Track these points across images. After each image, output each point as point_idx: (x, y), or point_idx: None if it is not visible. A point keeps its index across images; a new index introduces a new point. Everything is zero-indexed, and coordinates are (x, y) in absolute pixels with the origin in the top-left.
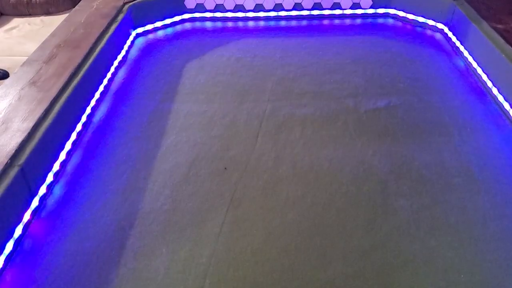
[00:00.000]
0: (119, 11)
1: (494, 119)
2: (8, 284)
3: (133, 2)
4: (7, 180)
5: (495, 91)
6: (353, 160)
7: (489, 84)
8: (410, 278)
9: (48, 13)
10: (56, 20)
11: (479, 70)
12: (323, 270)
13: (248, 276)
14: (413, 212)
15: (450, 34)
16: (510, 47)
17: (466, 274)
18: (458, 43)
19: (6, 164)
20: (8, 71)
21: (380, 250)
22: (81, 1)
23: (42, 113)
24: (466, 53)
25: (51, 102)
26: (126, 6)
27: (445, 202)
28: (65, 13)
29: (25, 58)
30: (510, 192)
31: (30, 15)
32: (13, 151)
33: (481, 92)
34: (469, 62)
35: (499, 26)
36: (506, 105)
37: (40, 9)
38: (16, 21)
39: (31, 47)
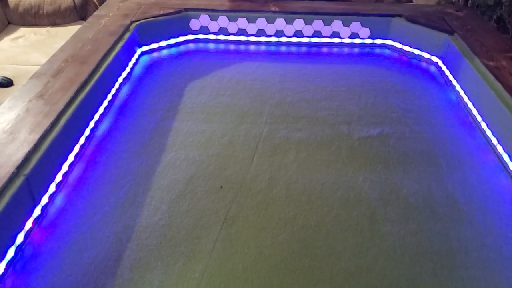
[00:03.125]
0: (126, 29)
1: (482, 153)
2: None
3: (140, 21)
4: (13, 189)
5: (484, 125)
6: (344, 185)
7: (479, 118)
8: None
9: (54, 24)
10: (61, 31)
11: (470, 104)
12: None
13: None
14: (399, 237)
15: (444, 67)
16: (499, 84)
17: None
18: (451, 77)
19: (12, 173)
20: (12, 79)
21: (366, 273)
22: (89, 18)
23: (49, 125)
24: (458, 87)
25: (57, 115)
26: (133, 25)
27: (430, 230)
28: (71, 25)
29: (29, 67)
30: (492, 223)
31: (36, 25)
32: (20, 161)
33: (471, 126)
34: (461, 95)
35: (491, 63)
36: (494, 140)
37: (46, 20)
38: (22, 30)
39: (36, 56)
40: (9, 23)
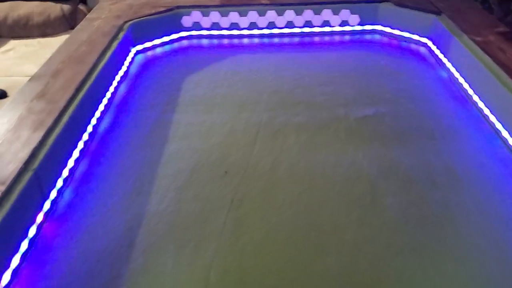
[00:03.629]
0: (120, 29)
1: (475, 123)
2: (25, 279)
3: (133, 21)
4: (22, 184)
5: (475, 98)
6: (344, 163)
7: (470, 91)
8: (400, 267)
9: (45, 35)
10: (52, 42)
11: (461, 80)
12: (320, 261)
13: (249, 267)
14: (401, 208)
15: (433, 47)
16: (488, 57)
17: (453, 264)
18: (441, 56)
19: (20, 168)
20: (6, 91)
21: (371, 243)
22: (82, 21)
23: (52, 123)
24: (448, 65)
25: (59, 113)
26: (126, 25)
27: (431, 199)
28: (62, 35)
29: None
30: (491, 189)
31: (27, 37)
32: (27, 157)
33: (463, 99)
34: (452, 72)
35: (478, 38)
36: (486, 110)
37: (37, 31)
38: (13, 43)
39: (29, 67)
40: None
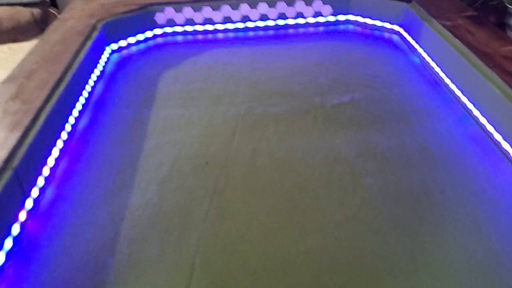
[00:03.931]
0: (93, 28)
1: (448, 105)
2: (11, 277)
3: (106, 19)
4: (3, 181)
5: (447, 80)
6: (323, 148)
7: (442, 74)
8: (381, 244)
9: (15, 40)
10: (24, 47)
11: (433, 64)
12: (302, 242)
13: (235, 252)
14: (379, 187)
15: (405, 34)
16: (458, 40)
17: (430, 237)
18: (413, 42)
19: (0, 167)
20: None
21: (352, 222)
22: (54, 22)
23: (29, 122)
24: (420, 50)
25: (36, 112)
26: (99, 24)
27: (407, 178)
28: (33, 39)
29: None
30: (464, 165)
31: None
32: (6, 156)
33: (435, 83)
34: (423, 57)
35: (448, 23)
36: (458, 92)
37: (7, 37)
38: None
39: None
40: None
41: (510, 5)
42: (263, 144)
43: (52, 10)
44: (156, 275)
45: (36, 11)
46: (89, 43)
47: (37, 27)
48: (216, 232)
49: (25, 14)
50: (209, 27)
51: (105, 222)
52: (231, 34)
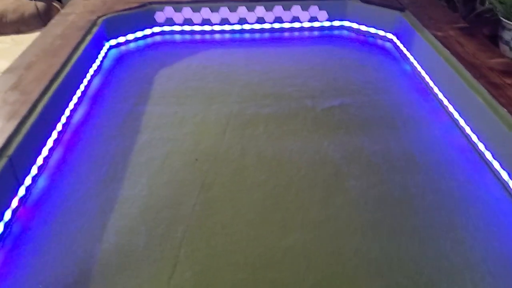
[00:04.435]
0: (93, 24)
1: (435, 113)
2: (1, 261)
3: (106, 16)
4: None
5: (436, 89)
6: (310, 150)
7: (431, 83)
8: (359, 242)
9: (19, 32)
10: (26, 39)
11: (423, 72)
12: (284, 238)
13: (218, 245)
14: (362, 190)
15: (398, 42)
16: (447, 51)
17: (407, 238)
18: (405, 50)
19: None
20: None
21: (333, 221)
22: (56, 16)
23: (26, 112)
24: (412, 58)
25: (33, 103)
26: (100, 20)
27: (390, 181)
28: (35, 31)
29: None
30: (447, 171)
31: (1, 34)
32: (2, 144)
33: (424, 91)
34: (414, 66)
35: (439, 33)
36: (445, 101)
37: (11, 28)
38: None
39: (3, 64)
40: None
41: (503, 18)
42: (252, 143)
43: (55, 4)
44: (141, 265)
45: (40, 4)
46: (88, 38)
47: (40, 19)
48: (202, 225)
49: (29, 7)
50: (207, 27)
51: (95, 212)
52: (227, 35)
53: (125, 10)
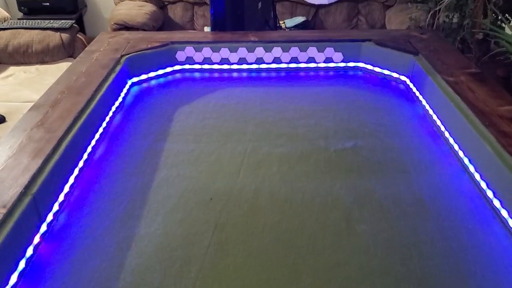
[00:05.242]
0: (117, 62)
1: (446, 158)
2: None
3: (130, 54)
4: (22, 207)
5: (446, 134)
6: (323, 192)
7: (442, 128)
8: None
9: (43, 62)
10: (50, 69)
11: (434, 116)
12: (295, 283)
13: (230, 287)
14: (372, 235)
15: (411, 85)
16: (458, 96)
17: (415, 285)
18: (417, 93)
19: (21, 193)
20: (5, 116)
21: (344, 267)
22: (81, 53)
23: (51, 150)
24: (424, 102)
25: (58, 141)
26: (123, 58)
27: (400, 227)
28: (59, 62)
29: (20, 104)
30: (456, 218)
31: (25, 63)
32: (27, 182)
33: (436, 135)
34: (426, 109)
35: (451, 78)
36: (456, 146)
37: (35, 58)
38: (12, 69)
39: (27, 93)
40: None
41: None
42: (266, 183)
43: (80, 36)
44: None
45: (65, 36)
46: (112, 77)
47: (65, 50)
48: (215, 267)
49: (54, 38)
50: (225, 66)
51: (112, 250)
52: (245, 74)
53: (148, 49)
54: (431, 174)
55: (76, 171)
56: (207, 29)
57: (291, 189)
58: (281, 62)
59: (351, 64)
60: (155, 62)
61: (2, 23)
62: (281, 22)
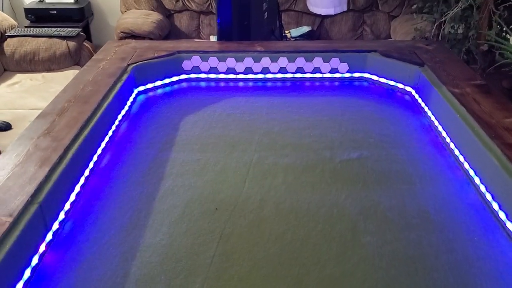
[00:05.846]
0: (124, 71)
1: (451, 170)
2: None
3: (136, 63)
4: (28, 216)
5: (452, 145)
6: (328, 203)
7: (447, 139)
8: None
9: (49, 69)
10: (56, 76)
11: (440, 128)
12: None
13: None
14: (377, 246)
15: (416, 96)
16: (463, 108)
17: None
18: (423, 104)
19: (27, 201)
20: (11, 123)
21: (349, 278)
22: (88, 62)
23: (57, 159)
24: (429, 113)
25: (64, 150)
26: (130, 67)
27: (405, 239)
28: (65, 70)
29: (26, 112)
30: (460, 230)
31: (32, 71)
32: (33, 190)
33: (441, 147)
34: (432, 120)
35: (456, 90)
36: (461, 158)
37: (42, 66)
38: (18, 76)
39: (33, 101)
40: (5, 70)
41: None
42: (271, 194)
43: (86, 44)
44: None
45: (72, 44)
46: (118, 85)
47: (71, 58)
48: (219, 277)
49: (61, 46)
50: (231, 76)
51: (117, 260)
52: (251, 84)
53: (154, 58)
54: (436, 186)
55: (82, 180)
56: (213, 38)
57: (296, 199)
58: (287, 72)
59: (357, 74)
60: (162, 71)
61: (9, 30)
62: (286, 31)
